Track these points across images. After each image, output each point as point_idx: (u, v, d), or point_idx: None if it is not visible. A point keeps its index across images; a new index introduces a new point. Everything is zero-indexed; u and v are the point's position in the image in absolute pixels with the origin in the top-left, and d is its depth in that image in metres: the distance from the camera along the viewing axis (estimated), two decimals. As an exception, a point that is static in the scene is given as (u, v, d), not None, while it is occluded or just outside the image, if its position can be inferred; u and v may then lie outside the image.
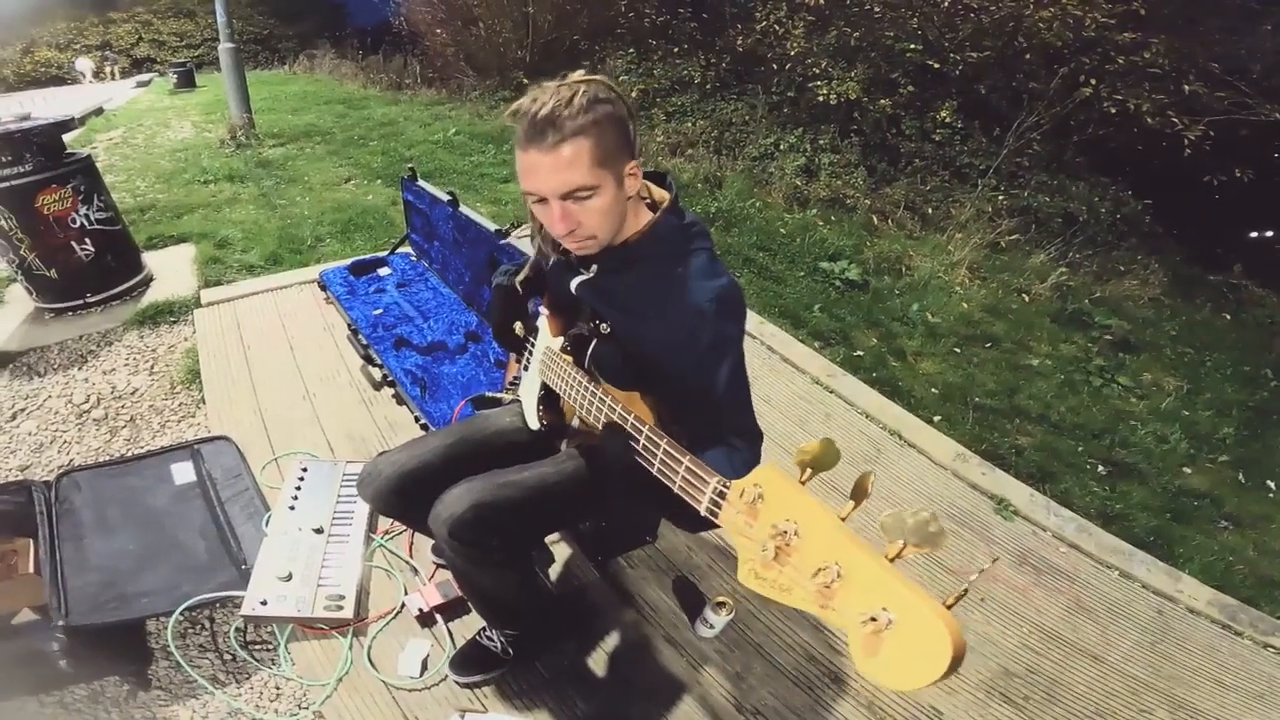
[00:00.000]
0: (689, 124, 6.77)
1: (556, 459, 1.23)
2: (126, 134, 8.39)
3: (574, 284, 1.06)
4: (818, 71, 6.23)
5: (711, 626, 1.51)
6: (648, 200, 1.02)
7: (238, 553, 1.65)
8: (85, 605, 1.48)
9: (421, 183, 3.13)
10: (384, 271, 3.23)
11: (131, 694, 1.50)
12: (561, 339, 1.15)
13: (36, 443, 2.30)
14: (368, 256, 3.37)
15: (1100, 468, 2.56)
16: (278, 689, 1.48)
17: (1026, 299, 4.27)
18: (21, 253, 3.01)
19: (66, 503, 1.76)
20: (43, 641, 1.41)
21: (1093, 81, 5.57)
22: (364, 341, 2.55)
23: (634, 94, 7.24)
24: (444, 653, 1.48)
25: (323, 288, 3.11)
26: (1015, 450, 2.53)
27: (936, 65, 6.03)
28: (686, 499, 0.74)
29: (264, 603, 1.49)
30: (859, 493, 0.58)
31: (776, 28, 6.46)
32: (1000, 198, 5.80)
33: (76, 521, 1.71)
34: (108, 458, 2.11)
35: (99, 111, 10.86)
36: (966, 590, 0.52)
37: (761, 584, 0.59)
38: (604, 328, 1.06)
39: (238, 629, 1.58)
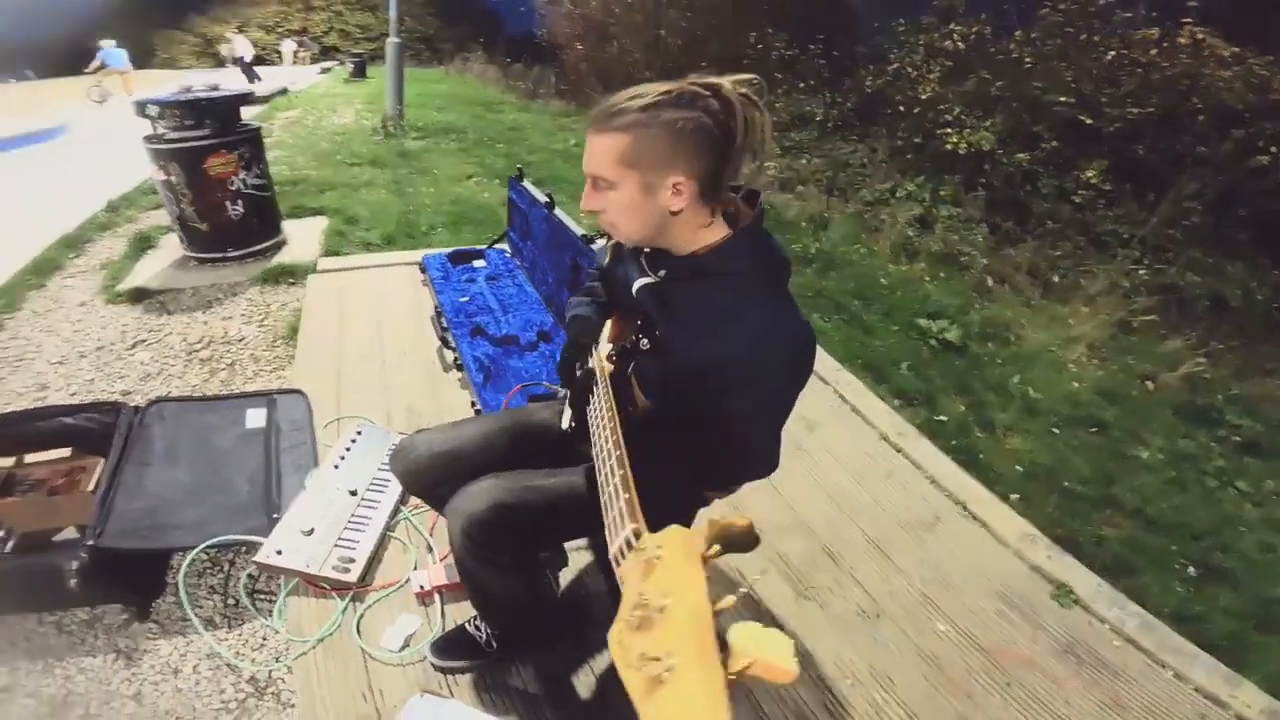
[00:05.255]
0: (803, 161, 6.66)
1: (588, 467, 1.21)
2: (301, 115, 9.46)
3: (636, 286, 1.05)
4: (950, 118, 5.95)
5: None
6: (732, 215, 1.00)
7: (274, 501, 1.74)
8: (120, 528, 1.55)
9: (525, 183, 3.28)
10: (479, 263, 3.40)
11: (126, 624, 1.58)
12: (611, 346, 1.15)
13: (145, 372, 2.60)
14: (468, 248, 3.56)
15: (1191, 569, 2.32)
16: (264, 640, 1.54)
17: (1151, 387, 3.81)
18: (181, 206, 3.45)
19: (147, 429, 1.90)
20: (64, 560, 1.46)
21: (1272, 149, 4.92)
22: (444, 325, 2.69)
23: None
24: (430, 633, 1.49)
25: (422, 270, 3.32)
26: (1096, 540, 2.32)
27: (1089, 120, 5.57)
28: (608, 532, 0.72)
29: (279, 552, 1.55)
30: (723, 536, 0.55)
31: (910, 70, 6.25)
32: (1141, 271, 5.23)
33: (148, 448, 1.83)
34: (200, 395, 2.35)
35: (284, 91, 12.30)
36: None
37: (618, 650, 0.52)
38: (644, 343, 1.05)
39: (250, 576, 1.65)
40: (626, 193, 0.91)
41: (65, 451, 1.72)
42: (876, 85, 6.74)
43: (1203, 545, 2.46)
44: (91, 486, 1.67)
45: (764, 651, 0.46)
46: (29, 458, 1.68)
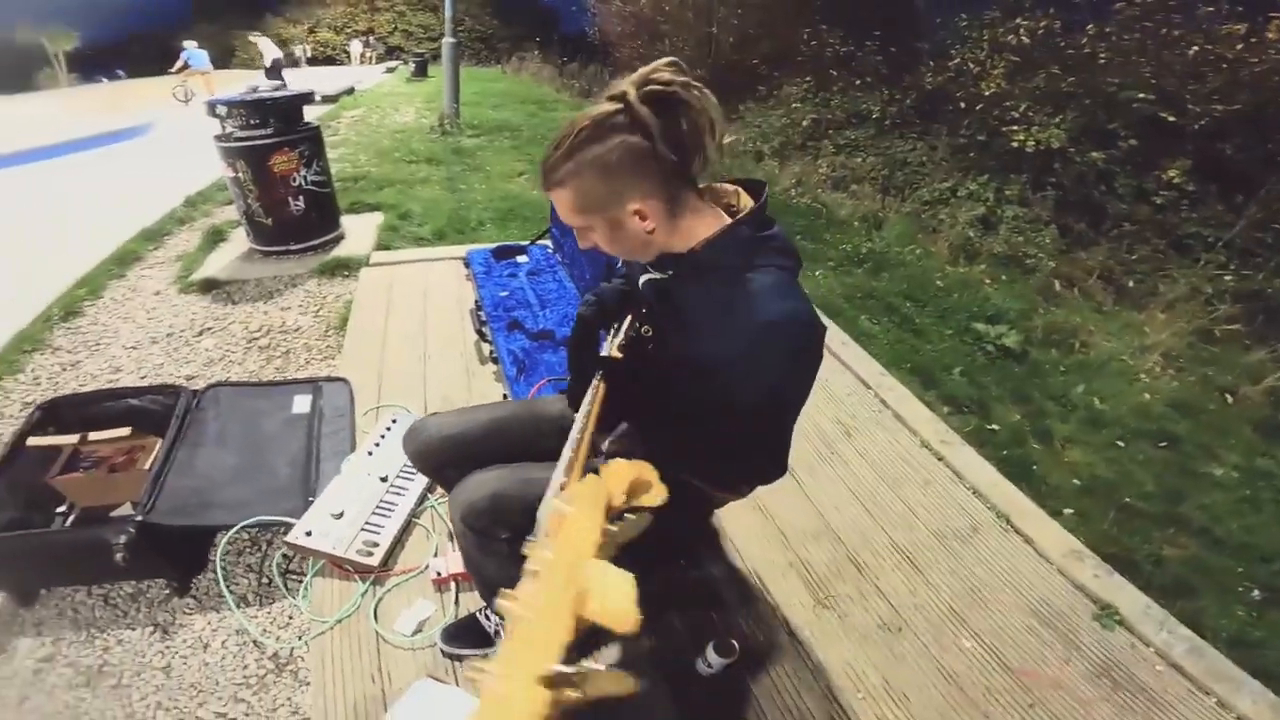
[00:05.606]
0: (859, 159, 6.48)
1: (592, 463, 1.22)
2: (366, 113, 9.82)
3: (642, 281, 1.06)
4: (1016, 115, 5.66)
5: (710, 666, 1.43)
6: (735, 208, 0.98)
7: (312, 484, 1.80)
8: (168, 506, 1.63)
9: (568, 180, 3.30)
10: (521, 259, 3.45)
11: (167, 598, 1.65)
12: (621, 337, 1.15)
13: (210, 358, 2.75)
14: (512, 243, 3.62)
15: (1256, 592, 2.16)
16: (290, 618, 1.60)
17: (1230, 400, 3.54)
18: (249, 201, 3.62)
19: (202, 412, 2.00)
20: (113, 534, 1.52)
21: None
22: (482, 318, 2.74)
23: (805, 123, 7.10)
24: (443, 620, 1.52)
25: (466, 265, 3.39)
26: (1154, 559, 2.19)
27: (1171, 118, 5.21)
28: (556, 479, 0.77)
29: (309, 534, 1.60)
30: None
31: (972, 66, 5.97)
32: (1226, 277, 4.85)
33: (202, 430, 1.93)
34: (255, 380, 2.47)
35: (350, 91, 12.78)
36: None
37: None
38: (645, 330, 1.07)
39: (284, 555, 1.72)
40: (600, 233, 0.92)
41: (125, 431, 1.83)
42: (937, 82, 6.47)
43: (1273, 568, 2.29)
44: (148, 465, 1.76)
45: (604, 592, 0.49)
46: (92, 436, 1.79)
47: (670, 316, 1.00)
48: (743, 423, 0.94)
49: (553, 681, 0.44)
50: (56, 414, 1.90)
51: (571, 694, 0.44)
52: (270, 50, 13.92)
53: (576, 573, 0.51)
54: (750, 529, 1.87)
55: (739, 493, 1.14)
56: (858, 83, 7.12)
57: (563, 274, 3.26)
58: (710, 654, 1.39)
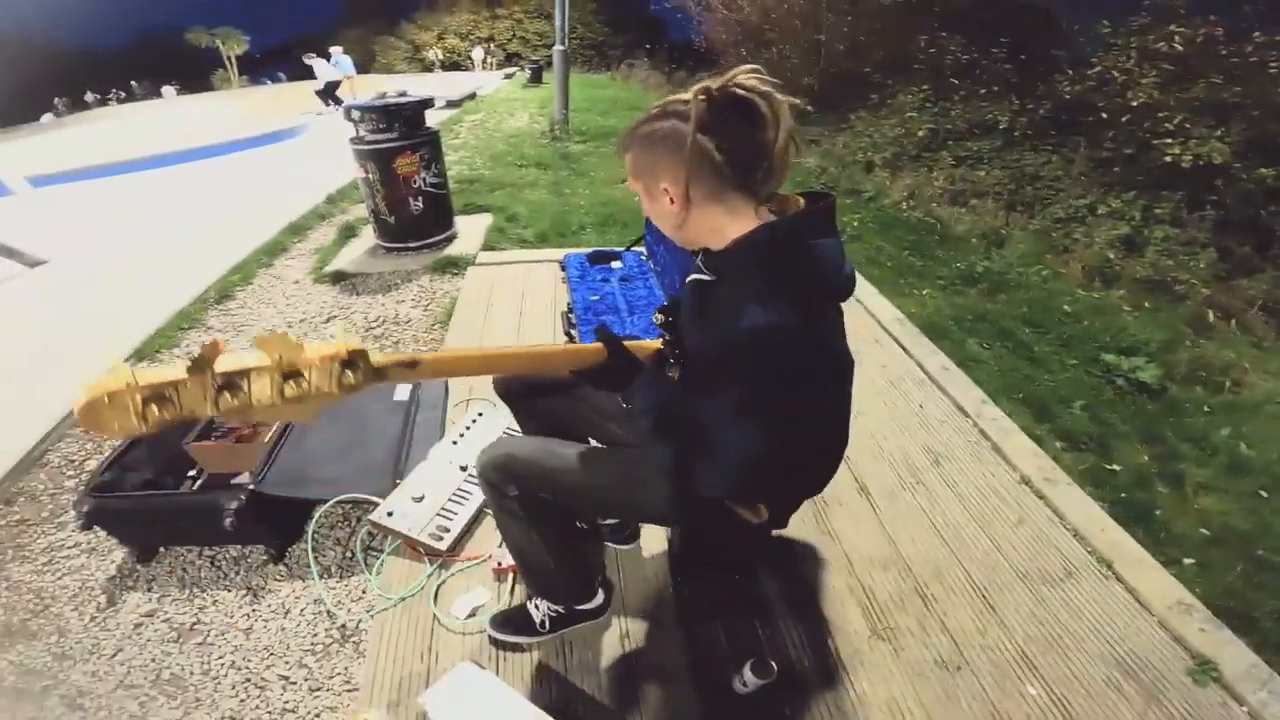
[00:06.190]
0: (981, 172, 6.05)
1: (616, 450, 1.27)
2: (484, 118, 10.41)
3: (689, 279, 1.09)
4: (1170, 128, 5.08)
5: (745, 685, 1.40)
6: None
7: (401, 467, 1.93)
8: (277, 476, 1.76)
9: (665, 188, 3.34)
10: (615, 264, 3.53)
11: (264, 564, 1.79)
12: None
13: (333, 344, 3.04)
14: (607, 249, 3.71)
15: None
16: (363, 592, 1.71)
17: (1402, 454, 3.00)
18: (376, 200, 3.95)
19: None
20: (226, 500, 1.63)
21: None
22: (572, 321, 2.84)
23: (921, 133, 6.73)
24: (495, 607, 1.57)
25: (562, 268, 3.51)
26: (1278, 616, 1.93)
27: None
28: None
29: (390, 514, 1.72)
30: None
31: (1117, 75, 5.41)
32: None
33: None
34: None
35: (473, 95, 13.56)
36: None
37: None
38: (658, 318, 1.17)
39: (369, 532, 1.83)
40: (644, 202, 1.00)
41: (251, 404, 2.04)
42: (1076, 91, 5.92)
43: None
44: (268, 438, 1.94)
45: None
46: (225, 407, 2.01)
47: (691, 311, 1.04)
48: (713, 428, 0.93)
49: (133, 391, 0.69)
50: (201, 386, 2.15)
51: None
52: (324, 72, 12.97)
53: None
54: (814, 550, 1.82)
55: (754, 510, 1.12)
56: (982, 91, 6.67)
57: (654, 281, 3.30)
58: (747, 673, 1.37)
